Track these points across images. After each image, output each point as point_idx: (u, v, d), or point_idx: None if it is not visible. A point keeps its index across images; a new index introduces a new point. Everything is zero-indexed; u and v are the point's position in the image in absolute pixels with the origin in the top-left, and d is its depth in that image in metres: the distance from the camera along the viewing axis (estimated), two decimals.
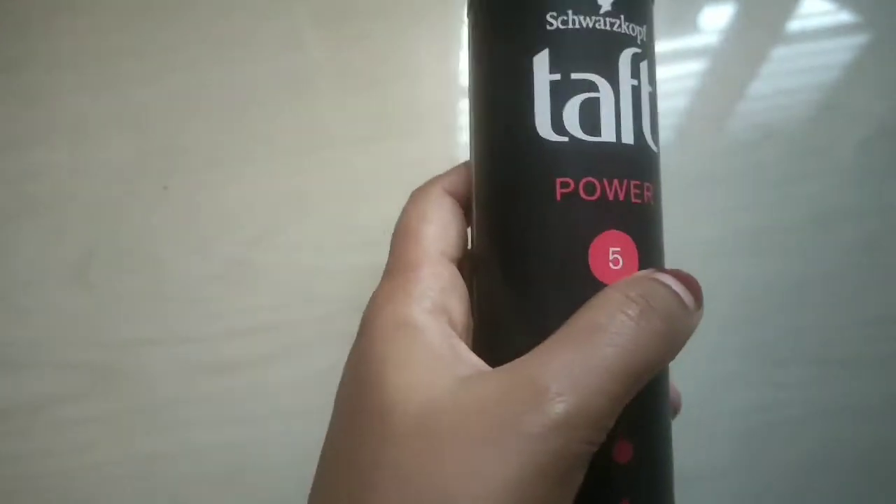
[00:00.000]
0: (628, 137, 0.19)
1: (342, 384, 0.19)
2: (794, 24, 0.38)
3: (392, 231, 0.21)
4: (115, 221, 0.37)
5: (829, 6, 0.38)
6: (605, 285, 0.18)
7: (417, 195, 0.21)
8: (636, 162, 0.19)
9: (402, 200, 0.37)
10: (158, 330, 0.35)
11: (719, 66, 0.37)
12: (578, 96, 0.19)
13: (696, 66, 0.37)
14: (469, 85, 0.21)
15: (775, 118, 0.36)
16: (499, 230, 0.20)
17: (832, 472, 0.31)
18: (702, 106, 0.37)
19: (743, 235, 0.34)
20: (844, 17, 0.38)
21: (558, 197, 0.19)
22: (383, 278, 0.20)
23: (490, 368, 0.18)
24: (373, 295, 0.19)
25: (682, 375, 0.32)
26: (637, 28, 0.20)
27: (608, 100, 0.19)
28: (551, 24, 0.19)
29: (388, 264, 0.20)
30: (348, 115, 0.38)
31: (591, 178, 0.19)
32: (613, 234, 0.19)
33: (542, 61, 0.19)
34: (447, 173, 0.22)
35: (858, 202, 0.34)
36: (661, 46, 0.37)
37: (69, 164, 0.38)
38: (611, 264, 0.19)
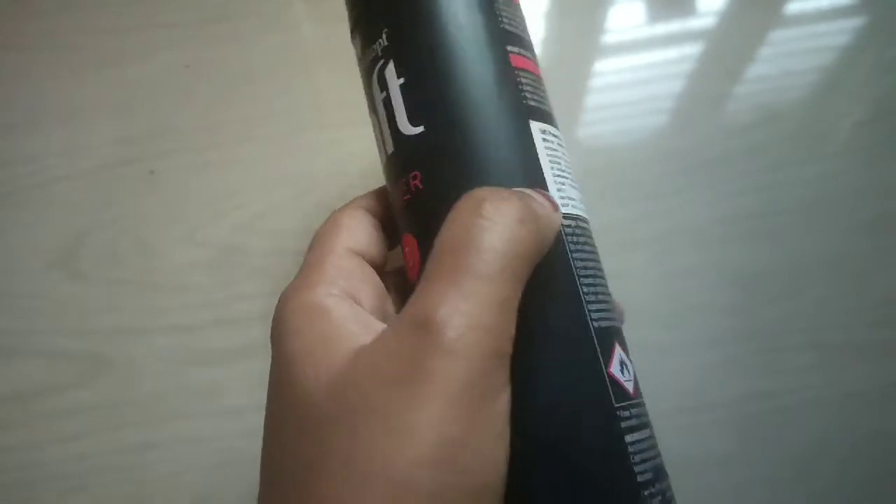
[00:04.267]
0: (389, 147, 0.21)
1: (268, 384, 0.19)
2: (792, 7, 0.38)
3: None
4: (101, 207, 0.36)
5: None
6: (412, 282, 0.20)
7: (332, 214, 0.23)
8: (397, 163, 0.21)
9: None
10: (147, 318, 0.34)
11: (717, 49, 0.37)
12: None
13: (693, 49, 0.37)
14: None
15: (773, 100, 0.35)
16: None
17: (831, 461, 0.31)
18: (699, 89, 0.36)
19: (741, 219, 0.34)
20: None
21: None
22: (293, 280, 0.20)
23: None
24: (282, 293, 0.20)
25: (679, 361, 0.32)
26: (376, 44, 0.21)
27: (377, 129, 0.22)
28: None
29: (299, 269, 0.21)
30: (341, 97, 0.37)
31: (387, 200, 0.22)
32: (404, 237, 0.21)
33: None
34: (365, 195, 0.23)
35: (859, 185, 0.34)
36: (658, 29, 0.37)
37: (53, 149, 0.37)
38: (408, 263, 0.20)
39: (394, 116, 0.20)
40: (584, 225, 0.21)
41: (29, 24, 0.39)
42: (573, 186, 0.22)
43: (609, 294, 0.21)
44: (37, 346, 0.34)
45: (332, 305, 0.18)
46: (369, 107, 0.22)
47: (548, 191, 0.20)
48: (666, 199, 0.34)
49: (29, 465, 0.33)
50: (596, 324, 0.19)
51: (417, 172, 0.20)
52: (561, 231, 0.19)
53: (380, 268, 0.22)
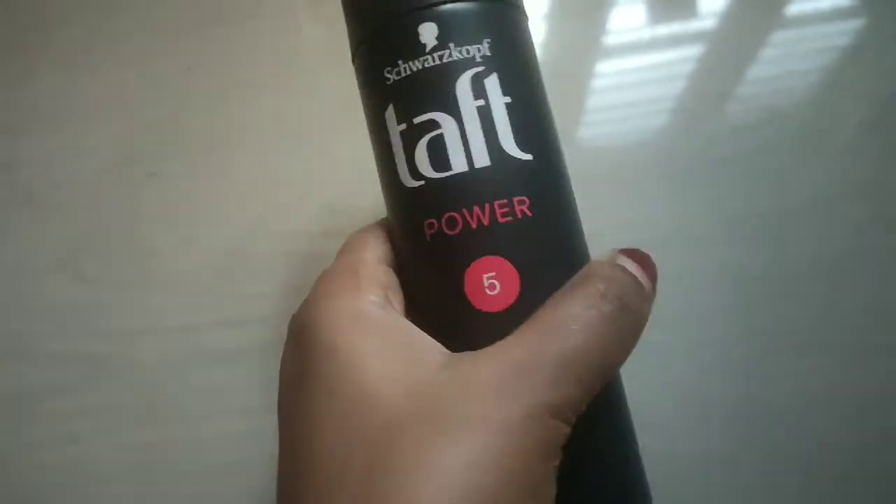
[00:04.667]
0: (482, 160, 0.20)
1: (290, 378, 0.20)
2: (793, 8, 0.38)
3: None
4: (102, 210, 0.36)
5: None
6: (484, 313, 0.19)
7: (364, 227, 0.23)
8: (496, 182, 0.20)
9: None
10: (148, 320, 0.34)
11: (719, 50, 0.37)
12: (424, 139, 0.20)
13: (695, 50, 0.37)
14: None
15: (776, 101, 0.35)
16: (400, 266, 0.22)
17: (833, 462, 0.31)
18: (701, 90, 0.36)
19: (744, 219, 0.34)
20: (842, 0, 0.37)
21: (428, 237, 0.20)
22: (324, 278, 0.21)
23: (451, 353, 0.19)
24: (313, 294, 0.20)
25: (684, 364, 0.32)
26: (473, 48, 0.20)
27: (452, 132, 0.20)
28: (388, 79, 0.21)
29: (328, 269, 0.21)
30: (342, 99, 0.37)
31: (451, 213, 0.20)
32: (486, 260, 0.19)
33: (391, 115, 0.21)
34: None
35: (862, 185, 0.34)
36: (660, 31, 0.37)
37: (54, 151, 0.37)
38: (487, 290, 0.19)
39: (495, 131, 0.20)
40: None
41: (29, 27, 0.39)
42: None
43: None
44: (39, 348, 0.34)
45: (379, 316, 0.19)
46: (435, 104, 0.20)
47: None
48: (668, 199, 0.34)
49: (31, 466, 0.33)
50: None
51: (527, 199, 0.20)
52: None
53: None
